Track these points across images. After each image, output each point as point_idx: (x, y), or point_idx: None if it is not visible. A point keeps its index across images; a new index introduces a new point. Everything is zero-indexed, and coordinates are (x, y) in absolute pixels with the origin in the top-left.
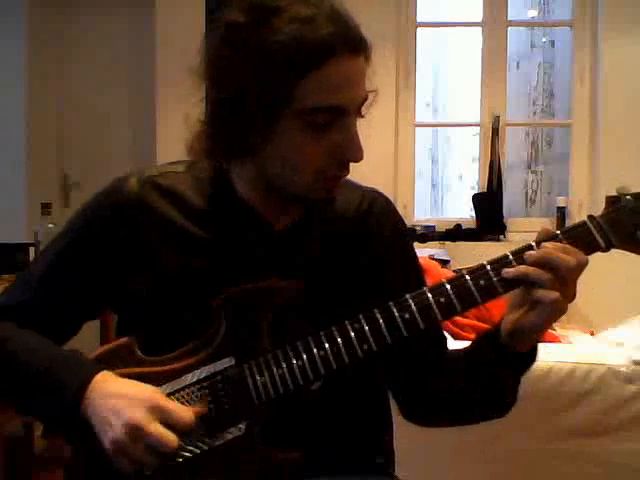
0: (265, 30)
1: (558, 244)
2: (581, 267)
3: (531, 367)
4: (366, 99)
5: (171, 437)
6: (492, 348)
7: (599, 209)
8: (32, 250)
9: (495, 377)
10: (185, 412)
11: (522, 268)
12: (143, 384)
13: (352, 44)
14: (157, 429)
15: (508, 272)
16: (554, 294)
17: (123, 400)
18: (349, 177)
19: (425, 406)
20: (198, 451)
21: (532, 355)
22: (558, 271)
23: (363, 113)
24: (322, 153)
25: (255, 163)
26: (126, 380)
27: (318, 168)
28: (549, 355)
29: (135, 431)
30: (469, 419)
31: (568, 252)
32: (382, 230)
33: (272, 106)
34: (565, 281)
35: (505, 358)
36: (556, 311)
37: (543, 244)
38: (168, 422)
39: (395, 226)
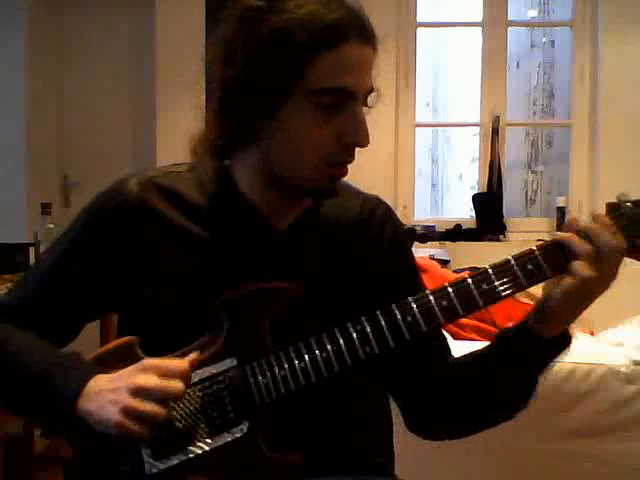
0: (280, 11)
1: (605, 221)
2: (620, 251)
3: (557, 356)
4: (372, 90)
5: (174, 382)
6: (518, 335)
7: (599, 209)
8: (32, 250)
9: (518, 366)
10: (178, 360)
11: (562, 234)
12: None
13: (364, 31)
14: (159, 381)
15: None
16: (587, 268)
17: (116, 381)
18: (352, 183)
19: (429, 416)
20: (199, 451)
21: (561, 343)
22: (598, 245)
23: (369, 104)
24: (328, 137)
25: (259, 150)
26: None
27: (323, 153)
28: None
29: (139, 391)
30: (475, 425)
31: (613, 231)
32: (382, 234)
33: (282, 85)
34: (602, 258)
35: (531, 342)
36: (586, 292)
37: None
38: (165, 374)
39: (395, 231)
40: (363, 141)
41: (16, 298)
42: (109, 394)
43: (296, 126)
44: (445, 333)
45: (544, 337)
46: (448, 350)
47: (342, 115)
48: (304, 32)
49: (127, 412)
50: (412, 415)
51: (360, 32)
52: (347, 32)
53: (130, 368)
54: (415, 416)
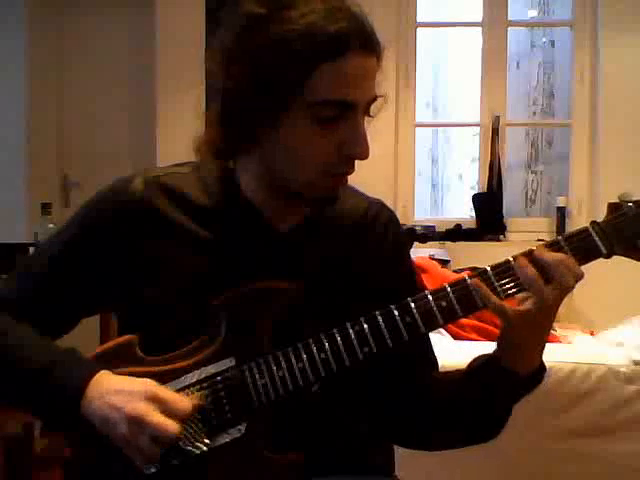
0: (282, 20)
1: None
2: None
3: (528, 393)
4: (375, 99)
5: (172, 425)
6: (491, 368)
7: (599, 209)
8: (32, 250)
9: (489, 398)
10: (183, 400)
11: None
12: (138, 378)
13: (367, 42)
14: (158, 418)
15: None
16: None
17: (121, 395)
18: (356, 186)
19: (408, 428)
20: (197, 451)
21: (532, 380)
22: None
23: (371, 113)
24: (328, 148)
25: (261, 157)
26: (121, 376)
27: (323, 164)
28: (549, 355)
29: (137, 423)
30: (451, 443)
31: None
32: (385, 238)
33: (282, 96)
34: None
35: (503, 378)
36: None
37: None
38: (167, 411)
39: (397, 235)
40: (362, 154)
41: (14, 290)
42: (110, 410)
43: (296, 136)
44: (445, 333)
45: (512, 373)
46: (434, 366)
47: (342, 127)
48: (304, 44)
49: (125, 441)
50: (390, 424)
51: (363, 42)
52: (349, 44)
53: (137, 387)
54: (393, 425)
